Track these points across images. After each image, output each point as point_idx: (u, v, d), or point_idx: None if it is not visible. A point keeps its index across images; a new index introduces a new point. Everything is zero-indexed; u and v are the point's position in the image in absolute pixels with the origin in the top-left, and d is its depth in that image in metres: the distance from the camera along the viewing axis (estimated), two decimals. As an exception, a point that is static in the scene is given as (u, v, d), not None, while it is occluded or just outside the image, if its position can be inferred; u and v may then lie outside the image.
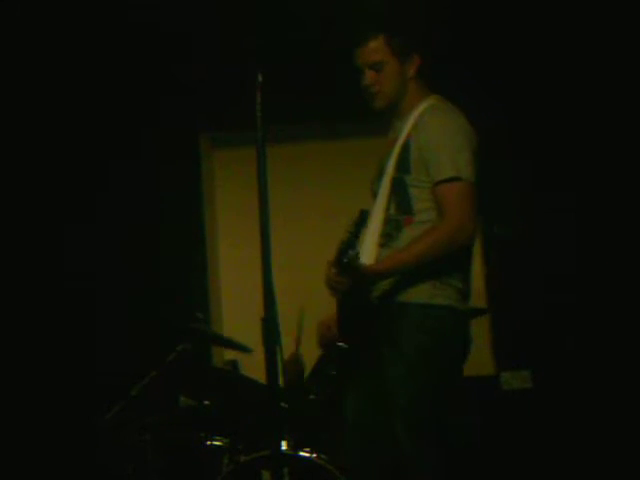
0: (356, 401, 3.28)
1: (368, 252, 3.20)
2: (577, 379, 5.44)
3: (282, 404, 3.60)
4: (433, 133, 3.23)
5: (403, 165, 3.25)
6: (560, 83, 5.75)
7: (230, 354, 4.79)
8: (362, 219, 3.08)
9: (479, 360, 5.77)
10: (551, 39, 5.69)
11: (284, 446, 3.65)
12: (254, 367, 3.91)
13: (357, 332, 3.16)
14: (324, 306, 3.46)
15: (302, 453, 3.80)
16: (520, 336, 5.61)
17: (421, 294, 3.25)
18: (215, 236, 6.05)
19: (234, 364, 4.57)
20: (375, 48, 3.32)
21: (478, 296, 5.78)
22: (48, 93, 5.73)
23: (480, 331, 5.70)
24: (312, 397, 3.52)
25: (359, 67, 3.31)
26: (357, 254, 3.04)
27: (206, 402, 4.37)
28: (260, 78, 2.92)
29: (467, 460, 4.58)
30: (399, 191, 3.25)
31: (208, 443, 4.24)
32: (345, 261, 3.02)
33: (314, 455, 3.76)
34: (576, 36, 5.65)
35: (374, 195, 3.42)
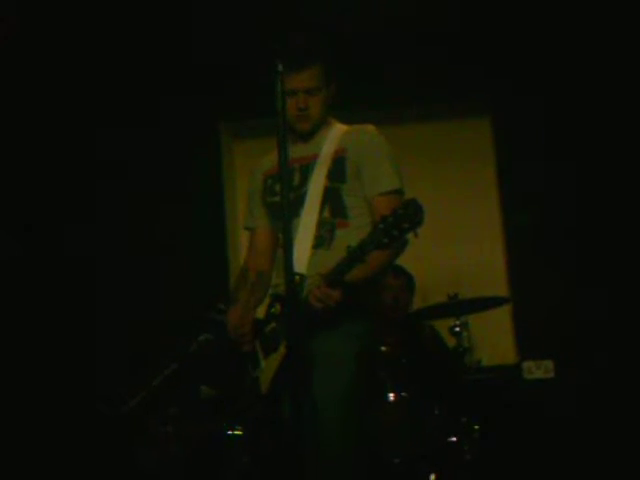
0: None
1: (303, 254, 3.39)
2: (600, 369, 5.42)
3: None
4: (374, 150, 3.52)
5: (337, 176, 3.49)
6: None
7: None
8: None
9: (501, 349, 5.78)
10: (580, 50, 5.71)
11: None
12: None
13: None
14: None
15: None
16: (543, 325, 5.58)
17: None
18: (236, 226, 6.04)
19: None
20: (315, 74, 3.50)
21: (500, 285, 5.79)
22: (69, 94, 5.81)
23: (502, 320, 5.70)
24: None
25: (291, 90, 3.41)
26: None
27: (228, 393, 4.38)
28: (280, 67, 2.92)
29: (485, 450, 4.60)
30: (333, 199, 3.48)
31: (229, 433, 4.25)
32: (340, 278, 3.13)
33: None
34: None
35: (267, 205, 3.65)
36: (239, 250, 6.00)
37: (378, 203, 3.44)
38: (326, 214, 3.46)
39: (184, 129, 5.90)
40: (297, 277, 3.28)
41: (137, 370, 4.73)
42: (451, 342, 4.94)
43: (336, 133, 3.58)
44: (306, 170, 3.52)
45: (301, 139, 3.59)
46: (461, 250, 5.88)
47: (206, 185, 5.98)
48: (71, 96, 5.81)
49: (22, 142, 5.71)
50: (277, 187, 3.55)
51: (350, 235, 3.39)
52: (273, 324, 3.44)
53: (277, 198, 3.57)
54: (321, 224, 3.45)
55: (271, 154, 3.65)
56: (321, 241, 3.43)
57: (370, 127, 3.59)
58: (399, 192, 3.47)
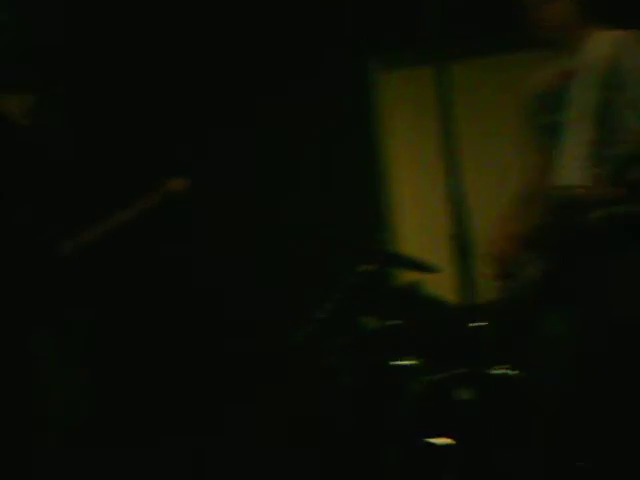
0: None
1: (574, 173, 3.18)
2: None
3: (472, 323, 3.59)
4: None
5: (611, 86, 3.23)
6: None
7: (412, 275, 4.75)
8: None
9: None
10: None
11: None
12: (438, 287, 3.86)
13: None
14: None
15: (498, 371, 3.77)
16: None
17: None
18: (392, 156, 6.00)
19: (416, 285, 4.58)
20: None
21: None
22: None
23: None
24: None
25: (529, 1, 3.23)
26: None
27: (390, 323, 4.40)
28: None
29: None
30: (606, 111, 3.23)
31: (393, 364, 4.27)
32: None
33: (510, 372, 3.73)
34: None
35: (542, 126, 3.42)
36: (398, 178, 5.98)
37: None
38: (598, 131, 3.24)
39: (335, 60, 5.88)
40: (579, 189, 3.12)
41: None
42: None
43: (602, 40, 3.34)
44: (575, 83, 3.33)
45: (564, 51, 3.42)
46: None
47: (357, 118, 5.95)
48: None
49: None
50: (550, 106, 3.41)
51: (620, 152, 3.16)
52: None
53: (549, 118, 3.40)
54: (593, 143, 3.22)
55: (541, 71, 3.53)
56: (596, 161, 3.17)
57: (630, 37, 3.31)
58: None
